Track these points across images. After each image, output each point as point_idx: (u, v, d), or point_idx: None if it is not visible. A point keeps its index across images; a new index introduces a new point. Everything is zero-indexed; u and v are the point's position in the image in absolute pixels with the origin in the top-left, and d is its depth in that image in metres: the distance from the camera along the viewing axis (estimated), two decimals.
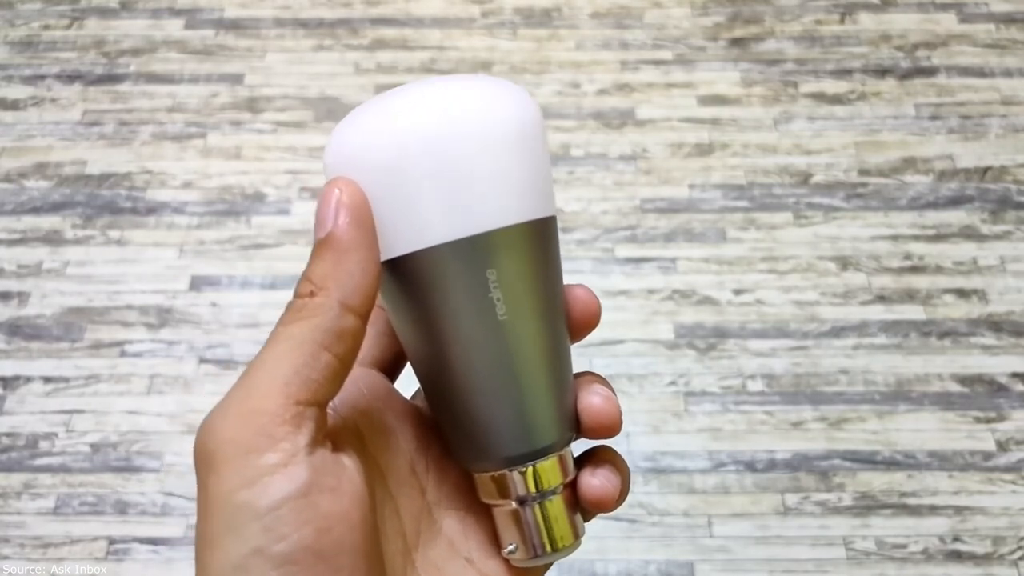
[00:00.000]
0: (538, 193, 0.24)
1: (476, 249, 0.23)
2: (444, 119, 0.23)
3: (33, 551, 0.92)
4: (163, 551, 0.92)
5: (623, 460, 0.26)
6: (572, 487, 0.25)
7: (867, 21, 1.37)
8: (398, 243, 0.23)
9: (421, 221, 0.23)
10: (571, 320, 0.26)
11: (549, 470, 0.24)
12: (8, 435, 0.99)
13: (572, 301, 0.26)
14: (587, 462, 0.25)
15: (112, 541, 0.92)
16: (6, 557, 0.91)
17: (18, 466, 0.97)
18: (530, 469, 0.24)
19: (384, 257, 0.23)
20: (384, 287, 0.24)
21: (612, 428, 0.25)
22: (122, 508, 0.94)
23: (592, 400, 0.25)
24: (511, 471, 0.24)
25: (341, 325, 0.21)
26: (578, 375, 0.26)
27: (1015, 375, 1.02)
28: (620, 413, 0.25)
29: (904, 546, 0.92)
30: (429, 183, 0.22)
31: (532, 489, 0.24)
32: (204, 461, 0.20)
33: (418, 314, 0.24)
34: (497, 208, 0.23)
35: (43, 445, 0.98)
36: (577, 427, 0.25)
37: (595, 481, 0.24)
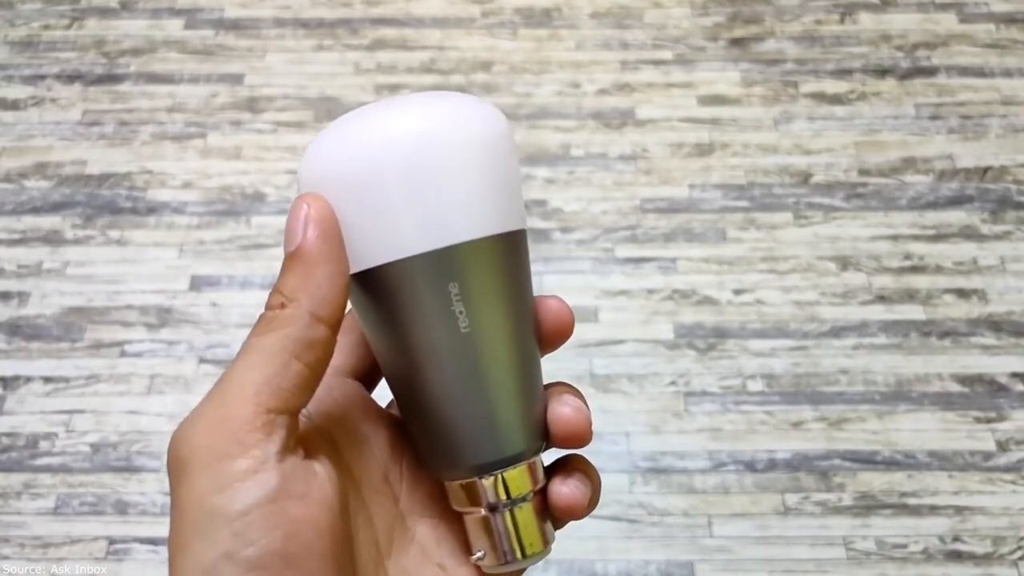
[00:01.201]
0: (502, 207, 0.24)
1: (438, 263, 0.23)
2: (409, 134, 0.23)
3: (33, 551, 0.92)
4: (163, 551, 0.92)
5: (594, 469, 0.26)
6: (542, 495, 0.25)
7: (867, 21, 1.37)
8: (365, 256, 0.24)
9: (385, 235, 0.23)
10: (543, 331, 0.26)
11: (518, 478, 0.25)
12: (8, 435, 0.99)
13: (544, 312, 0.26)
14: (558, 470, 0.26)
15: (112, 541, 0.92)
16: (6, 557, 0.91)
17: (18, 466, 0.97)
18: (499, 477, 0.24)
19: (352, 270, 0.24)
20: (354, 298, 0.25)
21: (581, 438, 0.25)
22: (122, 508, 0.94)
23: (562, 410, 0.25)
24: (480, 479, 0.24)
25: (311, 335, 0.22)
26: (549, 385, 0.26)
27: (1015, 375, 1.02)
28: (590, 423, 0.25)
29: (904, 546, 0.92)
30: (393, 197, 0.23)
31: (502, 496, 0.24)
32: (177, 468, 0.21)
33: (386, 325, 0.24)
34: (459, 222, 0.23)
35: (43, 445, 0.98)
36: (547, 436, 0.25)
37: (565, 489, 0.25)
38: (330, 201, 0.23)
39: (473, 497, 0.25)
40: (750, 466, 0.97)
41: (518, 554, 0.25)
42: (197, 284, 1.10)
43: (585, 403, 0.26)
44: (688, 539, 0.92)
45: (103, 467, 0.97)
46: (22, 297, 1.09)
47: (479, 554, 0.25)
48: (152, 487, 0.96)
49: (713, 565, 0.91)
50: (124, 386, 1.02)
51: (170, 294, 1.09)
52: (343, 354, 0.27)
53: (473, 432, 0.24)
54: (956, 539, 0.92)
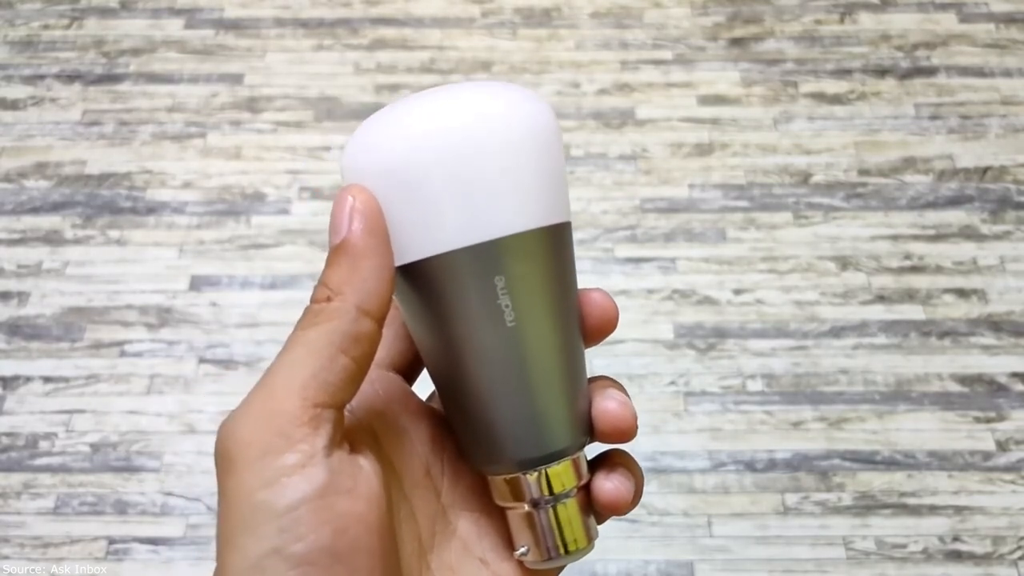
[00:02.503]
0: (549, 200, 0.24)
1: (484, 256, 0.23)
2: (457, 125, 0.23)
3: (33, 551, 0.92)
4: (163, 551, 0.92)
5: (637, 464, 0.26)
6: (586, 490, 0.25)
7: (867, 21, 1.37)
8: (410, 249, 0.23)
9: (431, 228, 0.23)
10: (587, 325, 0.26)
11: (562, 473, 0.24)
12: (8, 435, 0.99)
13: (588, 305, 0.26)
14: (601, 465, 0.25)
15: (112, 541, 0.92)
16: (6, 557, 0.91)
17: (18, 466, 0.97)
18: (543, 472, 0.24)
19: (398, 262, 0.23)
20: (398, 291, 0.25)
21: (627, 433, 0.25)
22: (122, 508, 0.94)
23: (607, 405, 0.25)
24: (524, 474, 0.24)
25: (357, 329, 0.22)
26: (593, 379, 0.26)
27: (1015, 375, 1.02)
28: (635, 418, 0.25)
29: (904, 546, 0.92)
30: (439, 189, 0.23)
31: (545, 492, 0.24)
32: (224, 462, 0.21)
33: (430, 319, 0.24)
34: (506, 215, 0.23)
35: (43, 445, 0.98)
36: (591, 431, 0.25)
37: (609, 484, 0.25)
38: (375, 193, 0.23)
39: (516, 492, 0.24)
40: (750, 466, 0.97)
41: (562, 550, 0.25)
42: (197, 284, 1.10)
43: (628, 397, 0.26)
44: (688, 539, 0.92)
45: (103, 467, 0.97)
46: (22, 297, 1.09)
47: (522, 549, 0.25)
48: (152, 487, 0.96)
49: (713, 565, 0.91)
50: (124, 386, 1.02)
51: (170, 294, 1.09)
52: (384, 347, 0.26)
53: (517, 427, 0.24)
54: (956, 539, 0.92)
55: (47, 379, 1.03)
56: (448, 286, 0.23)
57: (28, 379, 1.03)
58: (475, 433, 0.24)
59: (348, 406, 0.23)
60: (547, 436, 0.24)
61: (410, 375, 0.27)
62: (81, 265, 1.12)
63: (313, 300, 0.22)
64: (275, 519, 0.19)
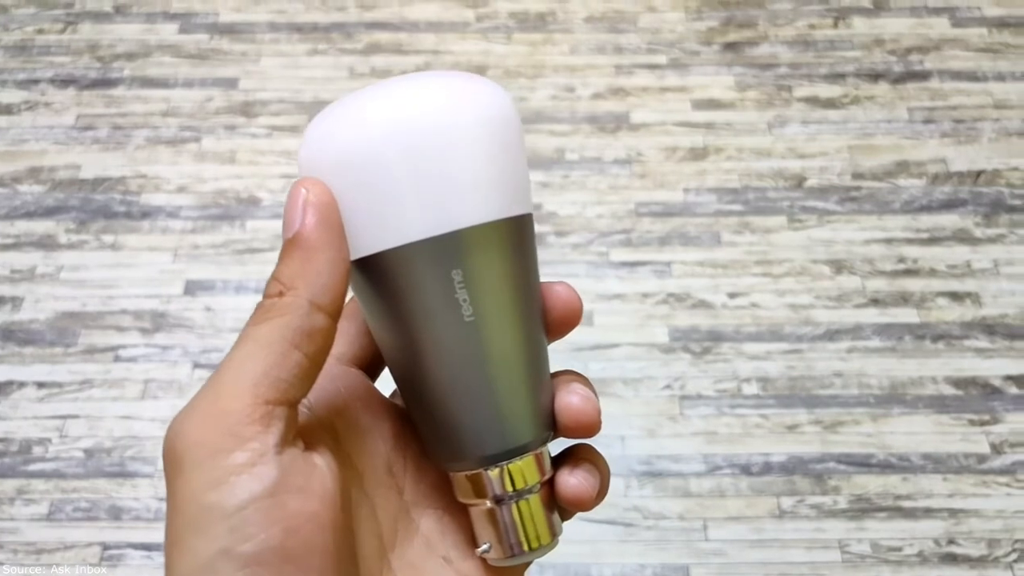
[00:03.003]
0: (508, 191, 0.23)
1: (441, 249, 0.22)
2: (412, 116, 0.22)
3: (26, 557, 0.91)
4: (156, 557, 0.91)
5: (603, 459, 0.25)
6: (549, 486, 0.25)
7: (860, 25, 1.37)
8: (365, 243, 0.23)
9: (386, 220, 0.22)
10: (551, 318, 0.25)
11: (525, 469, 0.24)
12: (1, 440, 0.99)
13: (552, 299, 0.25)
14: (566, 461, 0.25)
15: (106, 547, 0.92)
16: (0, 563, 0.91)
17: (11, 472, 0.97)
18: (505, 468, 0.24)
19: (353, 256, 0.23)
20: (355, 286, 0.24)
21: (590, 427, 0.25)
22: (116, 514, 0.94)
23: (570, 399, 0.24)
24: (486, 470, 0.24)
25: (311, 324, 0.21)
26: (556, 374, 0.26)
27: (1009, 378, 1.03)
28: (598, 412, 0.25)
29: (899, 549, 0.92)
30: (394, 181, 0.22)
31: (508, 488, 0.24)
32: (172, 463, 0.20)
33: (388, 314, 0.24)
34: (462, 207, 0.23)
35: (36, 451, 0.98)
36: (554, 426, 0.25)
37: (573, 480, 0.24)
38: (329, 185, 0.22)
39: (479, 489, 0.24)
40: (745, 469, 0.97)
41: (525, 546, 0.24)
42: (191, 289, 1.10)
43: (594, 392, 0.25)
44: (683, 543, 0.92)
45: (97, 472, 0.96)
46: (15, 302, 1.09)
47: (485, 546, 0.24)
48: (146, 492, 0.95)
49: (708, 569, 0.91)
50: (118, 391, 1.02)
51: (164, 299, 1.09)
52: (345, 342, 0.26)
53: (478, 423, 0.23)
54: (951, 542, 0.92)
55: (41, 384, 1.03)
56: (404, 280, 0.23)
57: (22, 384, 1.03)
58: (436, 430, 0.24)
59: (306, 402, 0.23)
60: (508, 431, 0.24)
61: (373, 371, 0.27)
62: (75, 270, 1.12)
63: (265, 295, 0.22)
64: (224, 519, 0.19)
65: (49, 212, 1.17)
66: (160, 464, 0.97)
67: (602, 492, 0.25)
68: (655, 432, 0.99)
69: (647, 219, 1.16)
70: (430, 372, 0.23)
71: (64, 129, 1.25)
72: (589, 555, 0.91)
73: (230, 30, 1.36)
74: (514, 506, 0.24)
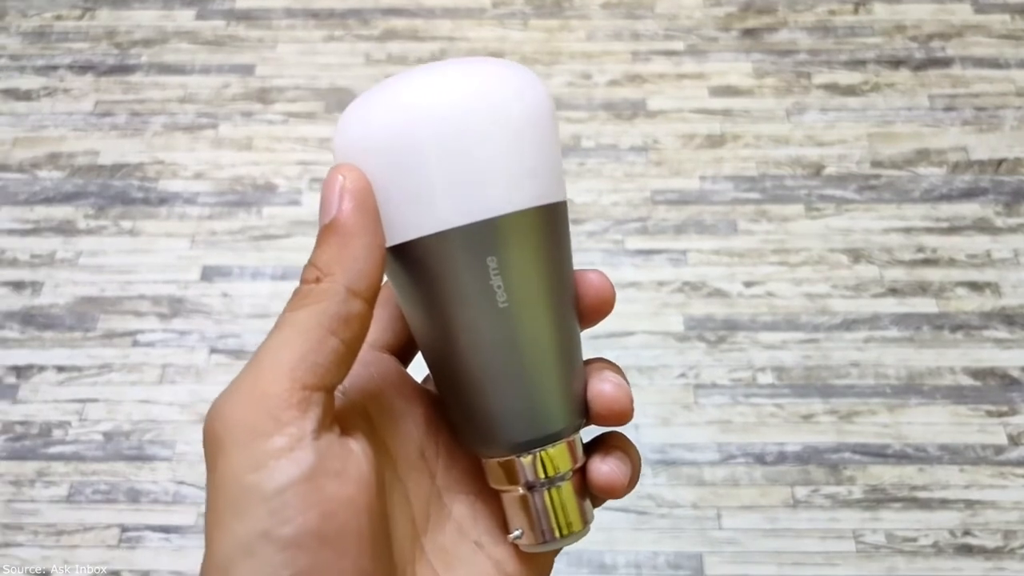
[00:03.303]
0: (543, 179, 0.23)
1: (476, 236, 0.23)
2: (450, 102, 0.22)
3: (47, 538, 0.93)
4: (175, 539, 0.93)
5: (634, 447, 0.26)
6: (581, 473, 0.25)
7: (881, 11, 1.36)
8: (401, 229, 0.23)
9: (422, 207, 0.22)
10: (583, 306, 0.25)
11: (557, 456, 0.24)
12: (22, 423, 1.00)
13: (585, 286, 0.25)
14: (597, 448, 0.25)
15: (124, 529, 0.93)
16: (20, 544, 0.92)
17: (32, 454, 0.98)
18: (538, 455, 0.24)
19: (389, 243, 0.23)
20: (391, 273, 0.24)
21: (623, 415, 0.25)
22: (134, 496, 0.95)
23: (603, 387, 0.25)
24: (519, 457, 0.24)
25: (347, 310, 0.21)
26: (589, 361, 0.26)
27: None
28: (631, 400, 0.25)
29: (914, 539, 0.91)
30: (431, 168, 0.22)
31: (540, 475, 0.24)
32: (213, 444, 0.20)
33: (422, 301, 0.24)
34: (498, 195, 0.23)
35: (56, 433, 0.99)
36: (587, 413, 0.25)
37: (604, 467, 0.24)
38: (366, 172, 0.23)
39: (511, 475, 0.24)
40: (760, 459, 0.97)
41: (556, 533, 0.24)
42: (208, 274, 1.10)
43: (626, 380, 0.25)
44: (697, 531, 0.92)
45: (116, 455, 0.98)
46: (35, 287, 1.10)
47: (516, 532, 0.24)
48: (164, 475, 0.96)
49: (722, 557, 0.91)
50: (136, 375, 1.03)
51: (182, 284, 1.10)
52: (379, 328, 0.26)
53: (511, 410, 0.24)
54: (967, 533, 0.92)
55: (60, 368, 1.04)
56: (439, 267, 0.23)
57: (42, 368, 1.04)
58: (469, 416, 0.24)
59: (341, 388, 0.23)
60: (541, 418, 0.24)
61: (405, 356, 0.27)
62: (94, 255, 1.13)
63: (302, 280, 0.22)
64: (264, 502, 0.19)
65: (68, 198, 1.18)
66: (178, 448, 0.98)
67: (633, 480, 0.25)
68: (669, 420, 0.99)
69: (663, 207, 1.15)
70: (463, 358, 0.24)
71: (83, 115, 1.26)
72: (603, 542, 0.92)
73: (247, 16, 1.36)
74: (546, 493, 0.24)
